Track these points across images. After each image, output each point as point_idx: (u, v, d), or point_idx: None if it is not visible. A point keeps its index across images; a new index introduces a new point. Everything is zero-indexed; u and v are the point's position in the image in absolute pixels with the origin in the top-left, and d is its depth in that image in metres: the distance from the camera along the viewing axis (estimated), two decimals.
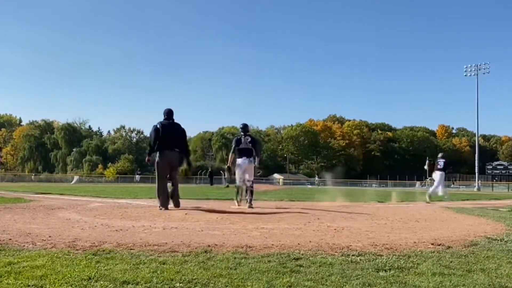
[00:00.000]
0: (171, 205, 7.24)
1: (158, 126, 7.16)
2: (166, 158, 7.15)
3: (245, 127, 8.37)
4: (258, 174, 9.03)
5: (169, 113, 7.37)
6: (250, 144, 8.19)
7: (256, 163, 8.27)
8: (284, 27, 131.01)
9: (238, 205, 8.17)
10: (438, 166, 12.55)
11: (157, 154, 7.19)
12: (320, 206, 8.83)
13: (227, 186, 17.02)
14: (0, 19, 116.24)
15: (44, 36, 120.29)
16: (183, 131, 7.40)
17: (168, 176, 7.28)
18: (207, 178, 40.72)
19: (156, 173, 7.25)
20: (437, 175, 12.47)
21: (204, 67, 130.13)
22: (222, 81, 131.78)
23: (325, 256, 3.24)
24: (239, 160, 8.18)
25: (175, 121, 7.44)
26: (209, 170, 40.39)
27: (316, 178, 60.37)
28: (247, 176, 8.08)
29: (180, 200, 7.43)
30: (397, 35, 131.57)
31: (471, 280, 2.60)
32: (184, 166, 7.58)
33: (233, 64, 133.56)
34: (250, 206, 7.74)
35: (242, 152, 8.17)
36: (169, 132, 7.15)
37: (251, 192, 8.03)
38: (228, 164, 8.57)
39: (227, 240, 3.97)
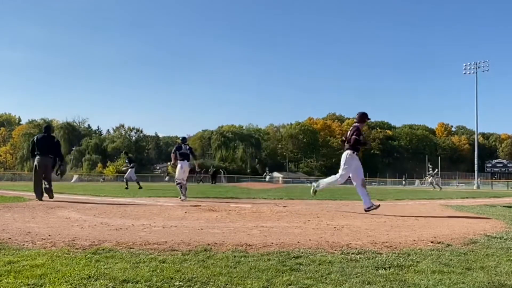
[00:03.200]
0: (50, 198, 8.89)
1: (34, 139, 9.28)
2: (41, 162, 8.98)
3: (184, 139, 10.94)
4: (198, 171, 12.92)
5: (45, 128, 9.49)
6: (189, 151, 10.48)
7: (193, 164, 10.61)
8: (283, 27, 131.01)
9: (181, 200, 9.74)
10: None
11: (35, 159, 8.95)
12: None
13: (126, 188, 16.64)
14: (0, 17, 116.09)
15: (43, 34, 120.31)
16: (56, 142, 9.36)
17: (43, 175, 9.02)
18: (206, 177, 40.57)
19: (33, 173, 9.10)
20: None
21: (204, 66, 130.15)
22: (222, 80, 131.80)
23: (324, 254, 3.24)
24: (181, 162, 10.26)
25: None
26: (212, 169, 40.01)
27: (267, 174, 60.23)
28: (184, 176, 10.23)
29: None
30: (396, 34, 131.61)
31: (470, 278, 2.60)
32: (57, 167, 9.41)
33: (233, 63, 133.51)
34: (185, 199, 9.75)
35: (183, 156, 10.31)
36: (43, 143, 9.10)
37: (185, 188, 10.21)
38: (172, 163, 10.69)
39: (227, 238, 3.97)
